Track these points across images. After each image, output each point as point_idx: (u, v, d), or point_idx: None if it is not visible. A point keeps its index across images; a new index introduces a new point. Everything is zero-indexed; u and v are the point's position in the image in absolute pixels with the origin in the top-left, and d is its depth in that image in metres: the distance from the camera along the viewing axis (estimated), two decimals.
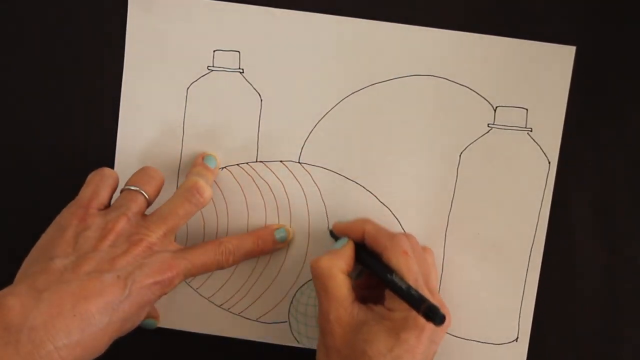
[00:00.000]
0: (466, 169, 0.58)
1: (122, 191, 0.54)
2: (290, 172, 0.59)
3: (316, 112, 0.59)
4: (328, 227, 0.59)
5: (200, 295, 0.60)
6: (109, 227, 0.51)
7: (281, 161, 0.59)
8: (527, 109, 0.58)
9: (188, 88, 0.59)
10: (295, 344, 0.60)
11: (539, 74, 0.58)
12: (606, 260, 0.59)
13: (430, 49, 0.58)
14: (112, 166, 0.60)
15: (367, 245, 0.55)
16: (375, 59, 0.58)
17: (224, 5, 0.59)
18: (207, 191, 0.55)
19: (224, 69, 0.59)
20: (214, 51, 0.59)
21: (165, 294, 0.52)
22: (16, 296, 0.47)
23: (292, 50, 0.59)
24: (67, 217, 0.52)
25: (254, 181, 0.60)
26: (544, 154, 0.58)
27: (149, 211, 0.54)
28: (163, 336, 0.61)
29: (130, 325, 0.52)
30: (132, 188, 0.54)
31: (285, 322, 0.60)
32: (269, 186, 0.59)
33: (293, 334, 0.60)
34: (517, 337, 0.59)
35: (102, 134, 0.60)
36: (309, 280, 0.60)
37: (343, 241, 0.55)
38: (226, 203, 0.60)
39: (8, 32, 0.60)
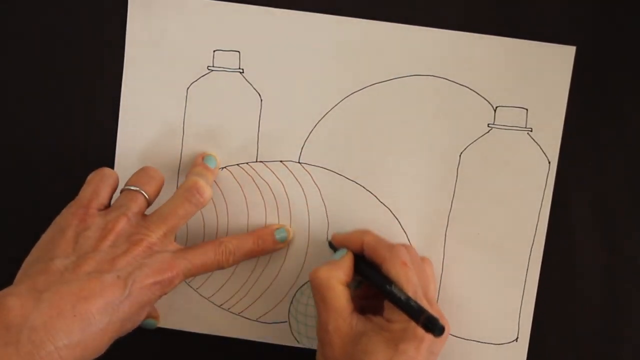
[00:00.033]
0: (466, 169, 0.58)
1: (122, 191, 0.54)
2: (290, 172, 0.59)
3: (316, 112, 0.59)
4: (327, 238, 0.59)
5: (200, 295, 0.60)
6: (109, 227, 0.51)
7: (281, 161, 0.59)
8: (527, 109, 0.58)
9: (188, 88, 0.59)
10: (295, 344, 0.60)
11: (539, 74, 0.58)
12: (606, 260, 0.59)
13: (430, 49, 0.58)
14: (112, 166, 0.60)
15: (366, 256, 0.55)
16: (375, 59, 0.58)
17: (224, 5, 0.59)
18: (207, 191, 0.55)
19: (224, 69, 0.59)
20: (214, 51, 0.59)
21: (166, 294, 0.52)
22: (16, 296, 0.47)
23: (292, 50, 0.59)
24: (67, 217, 0.52)
25: (254, 181, 0.60)
26: (544, 154, 0.58)
27: (149, 211, 0.54)
28: (163, 336, 0.61)
29: (130, 326, 0.52)
30: (132, 188, 0.54)
31: (285, 322, 0.60)
32: (269, 186, 0.59)
33: (293, 334, 0.60)
34: (517, 337, 0.59)
35: (102, 134, 0.60)
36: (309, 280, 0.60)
37: (342, 252, 0.55)
38: (226, 203, 0.60)
39: (8, 32, 0.60)
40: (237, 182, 0.60)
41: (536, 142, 0.58)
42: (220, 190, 0.60)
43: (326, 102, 0.59)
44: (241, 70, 0.59)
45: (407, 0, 0.58)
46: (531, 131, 0.58)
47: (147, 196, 0.54)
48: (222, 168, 0.60)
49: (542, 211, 0.58)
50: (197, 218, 0.60)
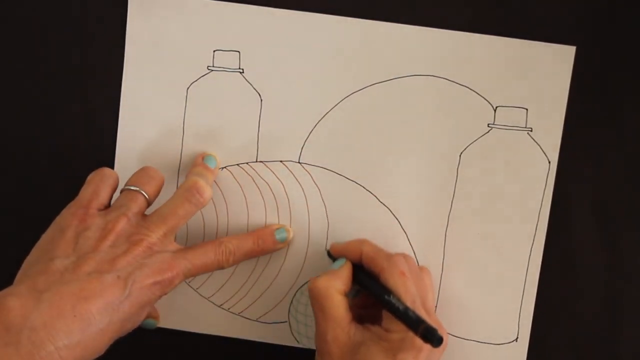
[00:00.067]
0: (466, 169, 0.58)
1: (122, 191, 0.54)
2: (290, 172, 0.59)
3: (316, 112, 0.59)
4: (326, 248, 0.59)
5: (200, 295, 0.60)
6: (109, 228, 0.51)
7: (281, 161, 0.59)
8: (527, 109, 0.58)
9: (188, 88, 0.59)
10: (295, 344, 0.60)
11: (539, 74, 0.58)
12: (606, 260, 0.59)
13: (430, 49, 0.58)
14: (112, 166, 0.60)
15: (365, 266, 0.55)
16: (375, 59, 0.58)
17: (224, 5, 0.59)
18: (207, 191, 0.55)
19: (224, 69, 0.59)
20: (214, 51, 0.59)
21: (166, 294, 0.52)
22: (16, 297, 0.47)
23: (292, 50, 0.59)
24: (67, 217, 0.52)
25: (254, 181, 0.60)
26: (544, 153, 0.58)
27: (149, 211, 0.54)
28: (163, 336, 0.61)
29: (130, 326, 0.52)
30: (132, 188, 0.54)
31: (285, 322, 0.60)
32: (269, 186, 0.59)
33: (293, 334, 0.60)
34: (517, 337, 0.59)
35: (102, 134, 0.60)
36: (309, 280, 0.60)
37: (340, 262, 0.55)
38: (226, 203, 0.60)
39: (8, 32, 0.60)
40: (237, 182, 0.60)
41: (536, 142, 0.58)
42: (220, 190, 0.60)
43: (326, 102, 0.59)
44: (241, 70, 0.59)
45: (407, 0, 0.58)
46: (531, 131, 0.58)
47: (147, 196, 0.54)
48: (222, 168, 0.60)
49: (542, 211, 0.58)
50: (197, 218, 0.60)
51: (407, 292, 0.52)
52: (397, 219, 0.59)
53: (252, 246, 0.57)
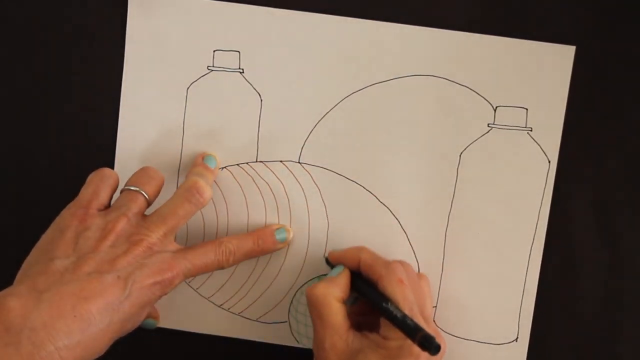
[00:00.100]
0: (466, 169, 0.58)
1: (122, 191, 0.54)
2: (290, 172, 0.59)
3: (316, 112, 0.59)
4: (325, 251, 0.59)
5: (200, 295, 0.60)
6: (109, 228, 0.51)
7: (281, 161, 0.59)
8: (527, 109, 0.58)
9: (188, 88, 0.59)
10: (295, 344, 0.60)
11: (539, 74, 0.58)
12: (606, 260, 0.59)
13: (430, 49, 0.58)
14: (112, 166, 0.60)
15: (363, 273, 0.55)
16: (375, 59, 0.58)
17: (224, 5, 0.59)
18: (207, 191, 0.55)
19: (224, 69, 0.59)
20: (214, 51, 0.59)
21: (166, 294, 0.52)
22: (17, 297, 0.47)
23: (292, 50, 0.59)
24: (67, 217, 0.52)
25: (254, 181, 0.60)
26: (544, 153, 0.58)
27: (149, 211, 0.54)
28: (163, 336, 0.61)
29: (130, 326, 0.52)
30: (132, 188, 0.54)
31: (285, 322, 0.60)
32: (269, 186, 0.59)
33: (293, 334, 0.60)
34: (517, 337, 0.59)
35: (102, 134, 0.60)
36: (309, 280, 0.60)
37: (339, 269, 0.55)
38: (226, 203, 0.60)
39: (8, 32, 0.60)
40: (237, 182, 0.60)
41: (536, 142, 0.58)
42: (220, 190, 0.60)
43: (326, 102, 0.59)
44: (241, 70, 0.59)
45: (407, 0, 0.58)
46: (531, 131, 0.58)
47: (147, 196, 0.54)
48: (222, 168, 0.60)
49: (542, 211, 0.58)
50: (197, 218, 0.60)
51: (405, 300, 0.52)
52: (397, 219, 0.59)
53: (252, 246, 0.57)
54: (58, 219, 0.53)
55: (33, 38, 0.60)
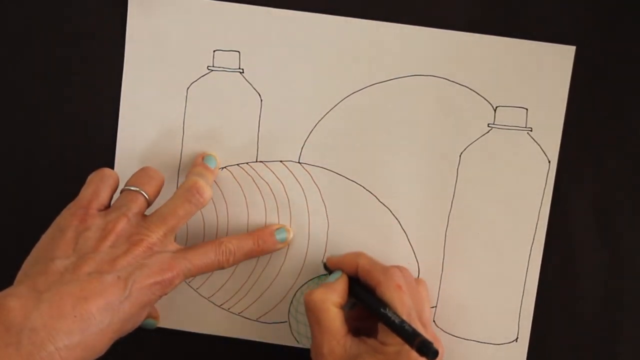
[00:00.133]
0: (466, 169, 0.58)
1: (122, 191, 0.54)
2: (290, 172, 0.59)
3: (316, 112, 0.59)
4: (322, 261, 0.59)
5: (200, 295, 0.60)
6: (109, 228, 0.51)
7: (281, 161, 0.59)
8: (527, 109, 0.58)
9: (188, 88, 0.59)
10: (295, 344, 0.60)
11: (539, 74, 0.58)
12: (606, 260, 0.59)
13: (430, 49, 0.58)
14: (112, 166, 0.60)
15: (361, 279, 0.55)
16: (375, 59, 0.58)
17: (224, 5, 0.59)
18: (207, 191, 0.55)
19: (224, 69, 0.59)
20: (214, 51, 0.59)
21: (166, 294, 0.52)
22: (17, 297, 0.47)
23: (292, 50, 0.59)
24: (67, 217, 0.52)
25: (254, 181, 0.60)
26: (544, 153, 0.58)
27: (149, 211, 0.54)
28: (163, 336, 0.61)
29: (130, 326, 0.52)
30: (132, 188, 0.54)
31: (285, 322, 0.60)
32: (269, 186, 0.59)
33: (293, 334, 0.60)
34: (517, 338, 0.59)
35: (102, 134, 0.60)
36: (309, 280, 0.60)
37: (337, 274, 0.55)
38: (226, 203, 0.60)
39: (8, 32, 0.60)
40: (237, 182, 0.60)
41: (536, 142, 0.58)
42: (220, 190, 0.60)
43: (326, 102, 0.59)
44: (241, 70, 0.59)
45: (407, 0, 0.58)
46: (531, 131, 0.58)
47: (147, 196, 0.54)
48: (222, 168, 0.60)
49: (542, 211, 0.58)
50: (197, 218, 0.60)
51: (403, 305, 0.52)
52: (397, 219, 0.59)
53: (252, 246, 0.57)
54: (58, 219, 0.53)
55: (33, 38, 0.60)
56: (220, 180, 0.60)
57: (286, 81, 0.59)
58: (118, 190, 0.55)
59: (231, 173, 0.60)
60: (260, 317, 0.60)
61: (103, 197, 0.53)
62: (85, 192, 0.53)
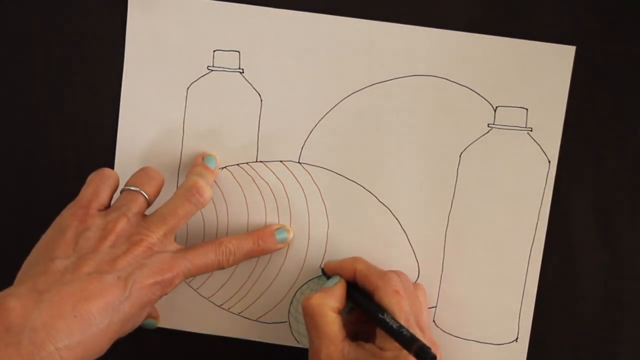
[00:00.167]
0: (466, 169, 0.58)
1: (122, 192, 0.54)
2: (290, 172, 0.59)
3: (316, 112, 0.59)
4: (320, 266, 0.59)
5: (200, 295, 0.60)
6: (109, 228, 0.51)
7: (281, 161, 0.59)
8: (527, 109, 0.58)
9: (188, 88, 0.59)
10: (295, 344, 0.60)
11: (539, 74, 0.58)
12: (606, 260, 0.59)
13: (430, 49, 0.58)
14: (112, 166, 0.60)
15: (359, 284, 0.55)
16: (375, 59, 0.58)
17: (224, 5, 0.59)
18: (207, 191, 0.55)
19: (224, 69, 0.59)
20: (214, 51, 0.59)
21: (166, 294, 0.52)
22: (17, 297, 0.47)
23: (292, 50, 0.59)
24: (67, 217, 0.52)
25: (254, 181, 0.60)
26: (544, 154, 0.58)
27: (149, 211, 0.54)
28: (163, 336, 0.61)
29: (130, 326, 0.52)
30: (132, 188, 0.54)
31: (285, 322, 0.60)
32: (269, 186, 0.59)
33: (293, 334, 0.60)
34: (517, 338, 0.59)
35: (102, 134, 0.60)
36: (309, 280, 0.60)
37: (335, 279, 0.56)
38: (226, 203, 0.60)
39: (8, 32, 0.60)
40: (237, 182, 0.60)
41: (536, 142, 0.58)
42: (220, 190, 0.60)
43: (326, 102, 0.59)
44: (241, 70, 0.59)
45: (407, 0, 0.58)
46: (531, 131, 0.58)
47: (147, 196, 0.54)
48: (222, 168, 0.60)
49: (542, 211, 0.58)
50: (197, 218, 0.60)
51: (401, 311, 0.52)
52: (397, 219, 0.59)
53: (252, 246, 0.57)
54: (58, 219, 0.53)
55: (33, 38, 0.60)
56: (220, 180, 0.60)
57: (286, 81, 0.59)
58: (118, 191, 0.55)
59: (231, 173, 0.60)
60: (260, 317, 0.60)
61: (103, 197, 0.53)
62: (85, 192, 0.53)
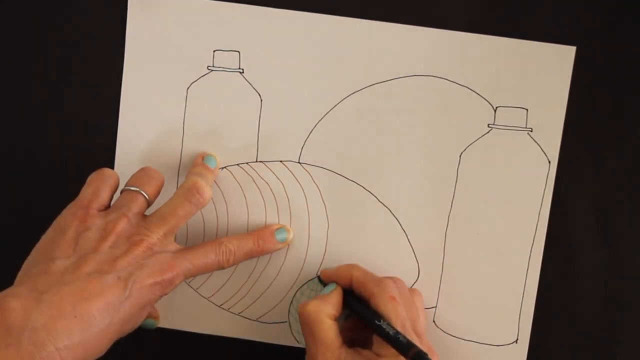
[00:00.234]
0: (466, 169, 0.58)
1: (122, 192, 0.54)
2: (290, 172, 0.59)
3: (316, 112, 0.59)
4: (317, 274, 0.59)
5: (200, 295, 0.60)
6: (109, 228, 0.51)
7: (281, 161, 0.59)
8: (527, 109, 0.58)
9: (188, 88, 0.59)
10: (295, 344, 0.60)
11: (539, 74, 0.58)
12: (606, 260, 0.59)
13: (430, 49, 0.58)
14: (112, 166, 0.60)
15: (355, 291, 0.55)
16: (375, 59, 0.58)
17: (224, 5, 0.59)
18: (207, 191, 0.55)
19: (224, 69, 0.59)
20: (214, 51, 0.59)
21: (166, 294, 0.52)
22: (17, 297, 0.47)
23: (292, 50, 0.59)
24: (68, 218, 0.52)
25: (254, 181, 0.60)
26: (544, 154, 0.58)
27: (149, 211, 0.54)
28: (163, 336, 0.61)
29: (131, 326, 0.52)
30: (132, 189, 0.54)
31: (285, 322, 0.60)
32: (269, 186, 0.59)
33: (293, 334, 0.60)
34: (517, 339, 0.59)
35: (102, 134, 0.60)
36: (309, 280, 0.60)
37: (331, 287, 0.56)
38: (226, 203, 0.60)
39: (8, 32, 0.60)
40: (237, 182, 0.60)
41: (536, 142, 0.58)
42: (220, 190, 0.60)
43: (326, 102, 0.59)
44: (241, 70, 0.59)
45: (407, 0, 0.58)
46: (531, 131, 0.58)
47: (147, 196, 0.54)
48: (222, 168, 0.60)
49: (542, 211, 0.58)
50: (197, 218, 0.60)
51: (398, 317, 0.52)
52: (397, 219, 0.59)
53: (252, 246, 0.57)
54: (58, 219, 0.53)
55: (33, 38, 0.60)
56: (220, 180, 0.60)
57: (286, 81, 0.59)
58: (118, 191, 0.55)
59: (231, 173, 0.60)
60: (260, 317, 0.60)
61: (103, 197, 0.53)
62: (86, 192, 0.53)
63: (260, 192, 0.60)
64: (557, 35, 0.57)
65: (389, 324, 0.51)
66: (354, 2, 0.58)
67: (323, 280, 0.57)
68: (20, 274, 0.50)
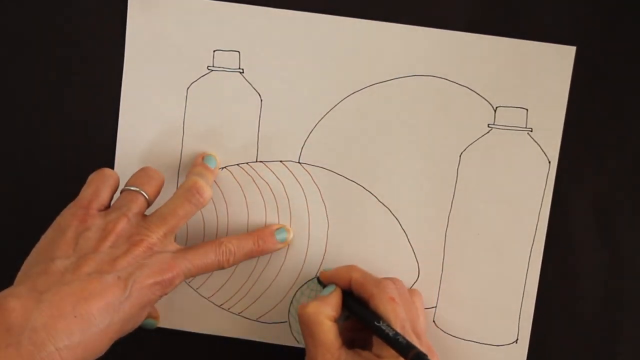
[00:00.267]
0: (466, 169, 0.58)
1: (122, 192, 0.54)
2: (290, 172, 0.59)
3: (316, 112, 0.59)
4: (316, 275, 0.59)
5: (200, 295, 0.60)
6: (109, 228, 0.51)
7: (281, 161, 0.59)
8: (527, 109, 0.58)
9: (188, 88, 0.59)
10: (295, 344, 0.60)
11: (539, 74, 0.58)
12: (606, 260, 0.59)
13: (430, 49, 0.58)
14: (112, 166, 0.60)
15: (354, 292, 0.55)
16: (375, 59, 0.58)
17: (224, 5, 0.59)
18: (207, 191, 0.55)
19: (224, 69, 0.59)
20: (214, 51, 0.59)
21: (166, 294, 0.52)
22: (17, 297, 0.47)
23: (292, 50, 0.59)
24: (68, 218, 0.52)
25: (254, 181, 0.60)
26: (544, 154, 0.58)
27: (149, 211, 0.54)
28: (163, 336, 0.61)
29: (131, 326, 0.52)
30: (132, 188, 0.54)
31: (285, 322, 0.60)
32: (269, 186, 0.59)
33: (293, 334, 0.60)
34: (517, 339, 0.59)
35: (102, 134, 0.60)
36: (309, 280, 0.60)
37: (330, 288, 0.56)
38: (226, 203, 0.60)
39: (8, 32, 0.60)
40: (237, 182, 0.60)
41: (536, 142, 0.58)
42: (220, 190, 0.60)
43: (326, 102, 0.59)
44: (241, 70, 0.59)
45: (407, 0, 0.58)
46: (531, 131, 0.58)
47: (147, 196, 0.54)
48: (222, 168, 0.60)
49: (542, 211, 0.58)
50: (197, 218, 0.60)
51: (397, 318, 0.52)
52: (397, 219, 0.59)
53: (252, 246, 0.57)
54: (58, 219, 0.53)
55: (33, 38, 0.60)
56: (220, 180, 0.60)
57: (286, 81, 0.59)
58: (118, 191, 0.55)
59: (231, 173, 0.60)
60: (260, 317, 0.60)
61: (103, 197, 0.53)
62: (86, 192, 0.53)
63: (260, 192, 0.60)
64: (557, 35, 0.57)
65: (388, 325, 0.51)
66: (354, 2, 0.58)
67: (322, 282, 0.57)
68: (20, 274, 0.50)
